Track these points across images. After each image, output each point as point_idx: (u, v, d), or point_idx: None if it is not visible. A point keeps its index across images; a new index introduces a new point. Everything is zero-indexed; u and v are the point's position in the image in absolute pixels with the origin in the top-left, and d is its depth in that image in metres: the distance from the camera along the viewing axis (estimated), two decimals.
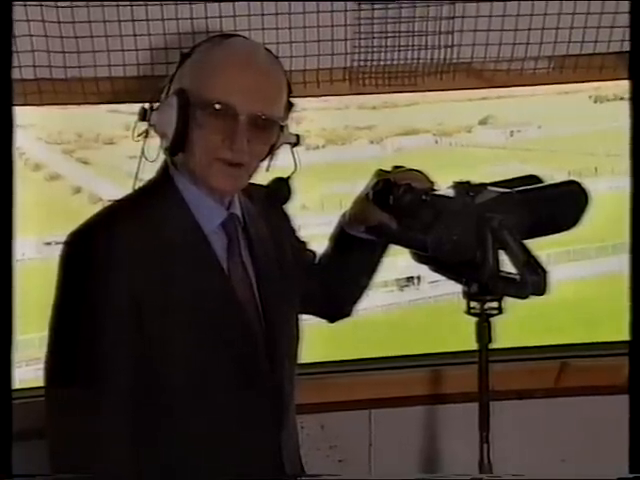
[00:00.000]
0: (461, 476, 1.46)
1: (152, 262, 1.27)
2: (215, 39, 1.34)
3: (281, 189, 1.39)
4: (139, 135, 1.35)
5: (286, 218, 1.54)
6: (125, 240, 1.27)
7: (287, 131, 1.36)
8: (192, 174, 1.33)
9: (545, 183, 1.47)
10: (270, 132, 1.32)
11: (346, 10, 1.74)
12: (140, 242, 1.28)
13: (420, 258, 1.46)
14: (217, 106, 1.28)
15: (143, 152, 1.35)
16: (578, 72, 1.85)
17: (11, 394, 1.13)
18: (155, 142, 1.36)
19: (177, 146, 1.30)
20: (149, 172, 1.38)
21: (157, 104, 1.34)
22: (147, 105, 1.34)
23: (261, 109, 1.29)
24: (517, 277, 1.32)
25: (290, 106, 1.37)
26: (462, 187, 1.39)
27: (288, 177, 1.39)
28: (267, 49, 1.36)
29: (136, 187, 1.37)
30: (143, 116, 1.34)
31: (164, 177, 1.36)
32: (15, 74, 1.64)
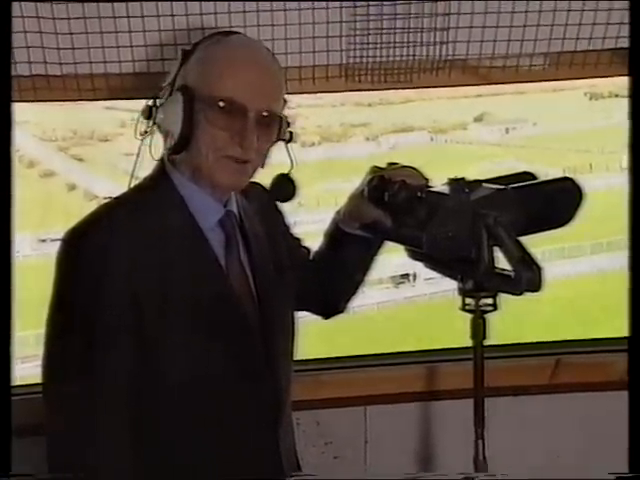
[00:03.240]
0: (456, 475, 1.46)
1: (150, 259, 1.27)
2: (215, 37, 1.34)
3: (286, 186, 1.38)
4: (143, 134, 1.34)
5: (280, 215, 1.54)
6: (123, 238, 1.27)
7: (285, 127, 1.36)
8: (195, 171, 1.32)
9: (540, 180, 1.47)
10: (274, 128, 1.33)
11: (341, 7, 1.74)
12: (138, 239, 1.27)
13: (415, 255, 1.46)
14: (224, 103, 1.28)
15: (149, 149, 1.34)
16: (573, 69, 1.85)
17: (10, 399, 1.12)
18: (151, 139, 1.35)
19: (183, 144, 1.30)
20: (144, 169, 1.38)
21: (160, 102, 1.33)
22: (151, 102, 1.34)
23: (268, 105, 1.30)
24: (512, 273, 1.32)
25: (284, 102, 1.37)
26: (457, 184, 1.39)
27: (288, 173, 1.38)
28: (265, 46, 1.37)
29: (132, 185, 1.37)
30: (148, 114, 1.33)
31: (161, 175, 1.35)
32: None
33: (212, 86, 1.29)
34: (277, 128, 1.33)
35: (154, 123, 1.33)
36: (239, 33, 1.39)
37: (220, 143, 1.29)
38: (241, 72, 1.29)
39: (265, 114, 1.30)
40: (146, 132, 1.34)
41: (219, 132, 1.29)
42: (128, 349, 1.26)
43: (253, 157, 1.31)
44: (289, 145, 1.38)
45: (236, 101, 1.28)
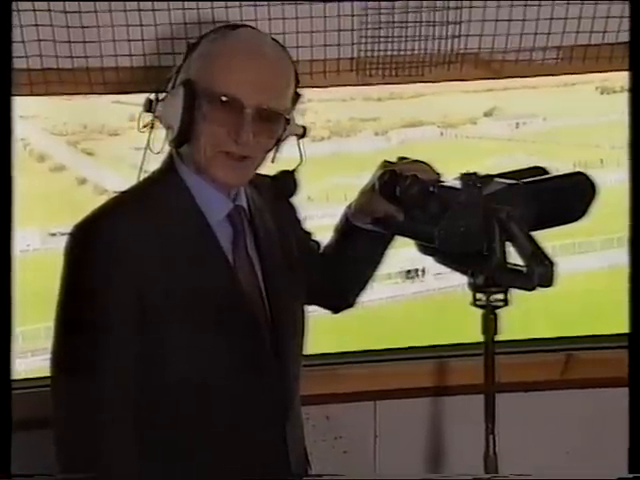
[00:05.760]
0: (465, 475, 1.46)
1: (157, 254, 1.27)
2: (222, 30, 1.33)
3: (287, 182, 1.38)
4: (144, 126, 1.34)
5: (292, 209, 1.53)
6: (130, 232, 1.27)
7: (294, 123, 1.35)
8: (197, 166, 1.32)
9: (552, 174, 1.47)
10: (276, 124, 1.31)
11: (353, 0, 1.74)
12: (145, 234, 1.27)
13: (426, 250, 1.46)
14: (223, 98, 1.27)
15: (148, 144, 1.34)
16: (587, 63, 1.84)
17: (10, 398, 1.12)
18: (161, 133, 1.35)
19: (183, 138, 1.29)
20: (154, 163, 1.38)
21: (163, 95, 1.33)
22: (152, 96, 1.34)
23: (267, 101, 1.29)
24: (524, 269, 1.32)
25: (297, 97, 1.37)
26: (469, 179, 1.38)
27: (294, 170, 1.38)
28: (274, 39, 1.36)
29: (141, 178, 1.37)
30: (149, 107, 1.33)
31: (169, 169, 1.35)
32: (21, 64, 1.64)
33: (211, 80, 1.28)
34: (282, 124, 1.32)
35: (156, 117, 1.33)
36: (247, 26, 1.38)
37: (217, 138, 1.28)
38: (240, 66, 1.28)
39: (266, 109, 1.28)
40: (145, 126, 1.34)
41: (217, 127, 1.28)
42: (135, 343, 1.26)
43: (251, 153, 1.30)
44: (301, 141, 1.38)
45: (233, 96, 1.27)
